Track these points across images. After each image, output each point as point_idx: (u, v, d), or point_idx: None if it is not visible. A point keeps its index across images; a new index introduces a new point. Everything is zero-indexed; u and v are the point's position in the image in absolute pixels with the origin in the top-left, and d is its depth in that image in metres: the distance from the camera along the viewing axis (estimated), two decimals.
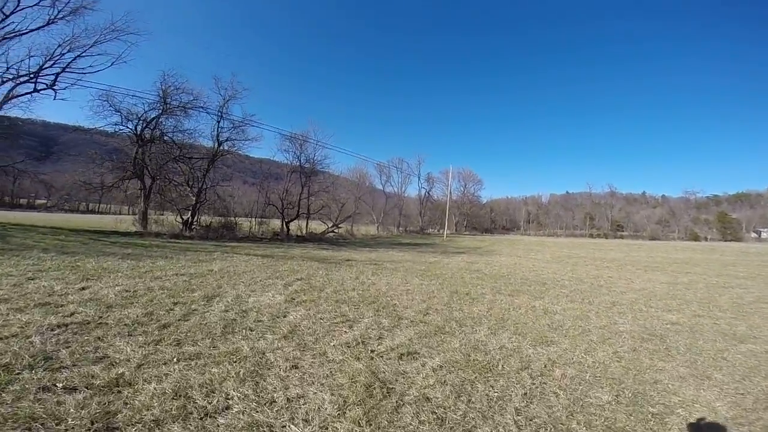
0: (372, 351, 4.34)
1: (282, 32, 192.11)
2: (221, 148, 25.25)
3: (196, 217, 25.27)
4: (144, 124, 23.35)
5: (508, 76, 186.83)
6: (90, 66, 21.18)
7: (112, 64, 22.06)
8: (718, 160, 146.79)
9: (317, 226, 33.36)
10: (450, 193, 59.14)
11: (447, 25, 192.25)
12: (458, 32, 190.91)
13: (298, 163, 29.26)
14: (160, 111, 23.54)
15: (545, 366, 4.23)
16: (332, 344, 4.50)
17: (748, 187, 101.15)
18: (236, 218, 28.71)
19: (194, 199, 24.61)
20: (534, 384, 3.72)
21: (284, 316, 5.59)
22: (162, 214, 26.99)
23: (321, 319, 5.54)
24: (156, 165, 23.84)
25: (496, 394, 3.44)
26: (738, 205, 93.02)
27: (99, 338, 4.19)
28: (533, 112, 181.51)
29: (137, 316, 5.11)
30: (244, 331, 4.84)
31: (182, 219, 24.47)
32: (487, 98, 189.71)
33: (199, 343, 4.27)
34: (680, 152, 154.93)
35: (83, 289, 6.43)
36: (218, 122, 25.03)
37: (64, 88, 20.71)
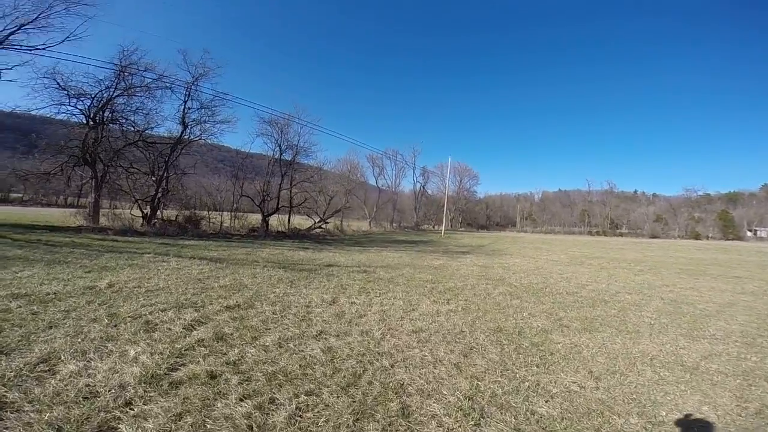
0: None
1: (270, 26, 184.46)
2: (187, 131, 21.34)
3: (159, 211, 21.50)
4: (99, 105, 19.40)
5: (507, 74, 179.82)
6: (43, 44, 17.19)
7: (64, 41, 17.96)
8: (710, 159, 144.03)
9: (303, 222, 29.60)
10: (447, 188, 55.53)
11: (444, 23, 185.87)
12: (455, 30, 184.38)
13: (278, 150, 25.40)
14: (119, 91, 19.63)
15: None
16: None
17: (740, 186, 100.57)
18: (209, 212, 24.87)
19: (155, 190, 20.78)
20: None
21: None
22: (122, 208, 23.20)
23: None
24: (111, 151, 19.92)
25: None
26: (731, 205, 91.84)
27: None
28: (530, 110, 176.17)
29: None
30: None
31: (142, 212, 20.65)
32: (485, 95, 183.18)
33: None
34: (673, 151, 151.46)
35: None
36: (185, 102, 21.07)
37: (10, 68, 16.75)
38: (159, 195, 20.89)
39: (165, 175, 21.09)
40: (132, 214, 20.41)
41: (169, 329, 4.32)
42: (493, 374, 3.48)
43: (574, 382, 3.39)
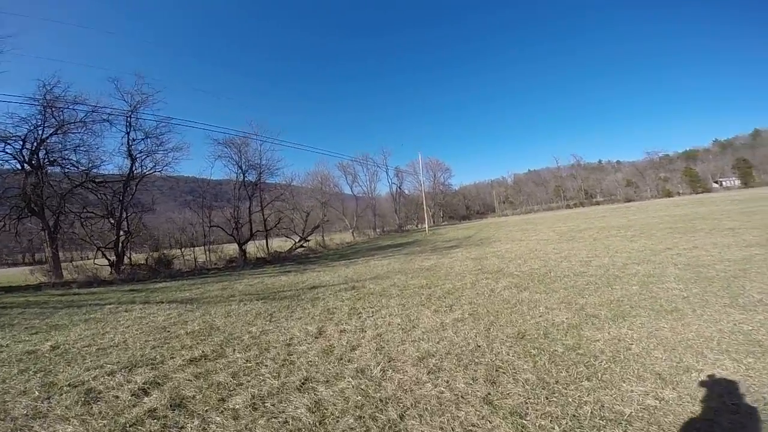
0: None
1: (215, 47, 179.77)
2: (138, 165, 19.84)
3: (125, 255, 19.94)
4: (31, 147, 17.76)
5: (465, 63, 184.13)
6: None
7: None
8: (665, 121, 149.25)
9: (283, 244, 28.33)
10: (422, 183, 55.07)
11: (390, 21, 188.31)
12: (404, 27, 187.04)
13: (240, 172, 24.13)
14: (51, 129, 17.99)
15: None
16: None
17: (693, 144, 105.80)
18: (182, 249, 23.33)
19: (115, 234, 19.21)
20: None
21: None
22: (88, 258, 21.43)
23: None
24: (57, 196, 18.27)
25: None
26: (690, 161, 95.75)
27: None
28: (493, 94, 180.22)
29: None
30: None
31: (108, 260, 19.02)
32: (445, 87, 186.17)
33: None
34: (630, 117, 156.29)
35: None
36: (128, 133, 19.53)
37: None
38: (122, 238, 19.37)
39: (124, 215, 19.57)
40: (96, 264, 18.79)
41: (115, 397, 3.42)
42: (537, 403, 2.64)
43: (647, 393, 2.60)
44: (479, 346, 3.93)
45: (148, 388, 3.60)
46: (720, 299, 4.72)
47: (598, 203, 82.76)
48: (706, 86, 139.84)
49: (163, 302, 9.31)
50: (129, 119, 19.35)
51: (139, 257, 21.16)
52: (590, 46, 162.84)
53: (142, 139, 19.93)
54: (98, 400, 3.38)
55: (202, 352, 4.62)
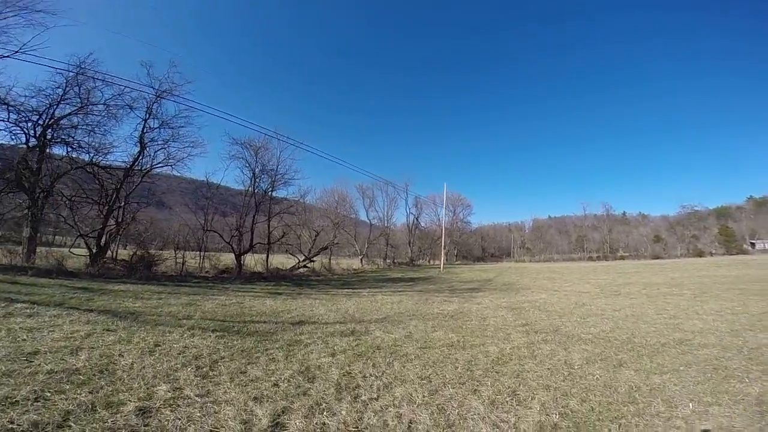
0: None
1: (255, 64, 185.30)
2: (146, 154, 18.05)
3: (110, 248, 17.95)
4: (45, 122, 16.22)
5: (497, 109, 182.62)
6: None
7: (17, 52, 15.13)
8: (696, 175, 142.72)
9: (286, 261, 26.04)
10: (443, 217, 52.29)
11: (434, 62, 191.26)
12: (446, 68, 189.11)
13: (252, 177, 22.13)
14: (73, 108, 16.51)
15: None
16: None
17: (726, 200, 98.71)
18: (176, 251, 21.01)
19: (102, 223, 17.21)
20: None
21: None
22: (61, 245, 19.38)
23: None
24: (53, 175, 16.52)
25: None
26: (721, 219, 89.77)
27: None
28: (521, 138, 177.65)
29: None
30: None
31: (90, 250, 16.98)
32: (476, 129, 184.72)
33: None
34: (661, 169, 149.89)
35: None
36: (145, 120, 17.79)
37: None
38: (111, 229, 17.37)
39: (117, 205, 17.58)
40: (71, 252, 16.72)
41: None
42: None
43: None
44: None
45: None
46: None
47: (623, 258, 77.91)
48: (739, 145, 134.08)
49: (92, 310, 7.01)
50: (150, 107, 17.84)
51: (125, 252, 19.15)
52: (631, 97, 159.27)
53: (158, 128, 18.25)
54: None
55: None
